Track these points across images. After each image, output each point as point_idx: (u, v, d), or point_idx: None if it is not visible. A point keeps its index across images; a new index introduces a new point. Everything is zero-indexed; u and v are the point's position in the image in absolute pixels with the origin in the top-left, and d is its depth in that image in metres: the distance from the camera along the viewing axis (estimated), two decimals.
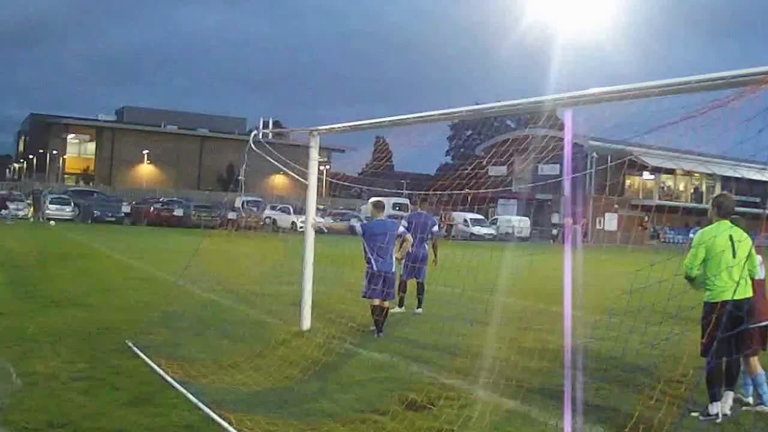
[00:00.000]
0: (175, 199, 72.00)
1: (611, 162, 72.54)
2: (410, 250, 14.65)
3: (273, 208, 65.04)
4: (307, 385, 9.36)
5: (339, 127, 13.43)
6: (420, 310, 16.03)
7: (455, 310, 15.70)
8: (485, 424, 7.90)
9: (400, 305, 15.97)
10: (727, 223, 8.70)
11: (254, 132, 13.71)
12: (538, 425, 8.07)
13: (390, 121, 12.15)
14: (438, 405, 8.70)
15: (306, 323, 13.34)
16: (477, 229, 67.40)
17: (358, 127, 13.21)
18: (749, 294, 8.49)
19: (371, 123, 12.74)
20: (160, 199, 71.91)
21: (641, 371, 10.85)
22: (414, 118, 11.79)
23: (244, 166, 13.73)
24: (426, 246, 16.24)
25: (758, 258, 9.07)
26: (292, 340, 12.29)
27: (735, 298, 8.00)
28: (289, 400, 8.71)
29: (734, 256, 8.51)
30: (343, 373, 10.02)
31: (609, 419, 8.49)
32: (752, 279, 8.75)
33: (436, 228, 16.87)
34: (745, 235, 8.74)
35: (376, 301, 13.10)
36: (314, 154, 13.58)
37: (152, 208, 65.43)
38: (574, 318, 10.40)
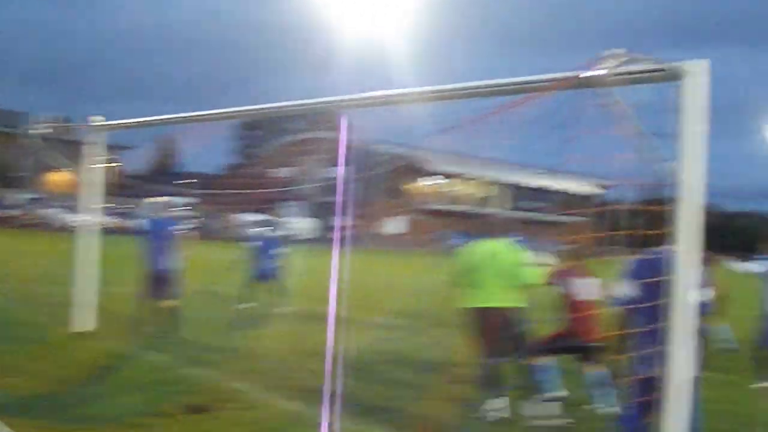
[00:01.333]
0: None
1: (397, 166, 74.51)
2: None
3: (55, 206, 62.73)
4: (86, 389, 9.16)
5: (122, 124, 13.22)
6: None
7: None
8: (268, 427, 8.02)
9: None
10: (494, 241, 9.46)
11: (36, 128, 13.30)
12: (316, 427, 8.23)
13: (178, 118, 12.07)
14: (221, 408, 8.75)
15: (85, 324, 13.02)
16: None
17: (145, 124, 13.01)
18: (510, 304, 9.21)
19: (158, 120, 12.57)
20: None
21: (424, 371, 11.24)
22: (202, 115, 11.76)
23: (27, 162, 13.37)
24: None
25: (588, 280, 9.59)
26: (70, 342, 11.97)
27: (488, 305, 9.03)
28: (67, 404, 8.50)
29: (493, 266, 9.25)
30: (124, 375, 9.87)
31: (391, 420, 8.77)
32: (575, 301, 9.39)
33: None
34: (513, 248, 9.36)
35: (157, 302, 13.01)
36: (96, 151, 13.28)
37: None
38: (356, 320, 10.70)
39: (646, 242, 6.65)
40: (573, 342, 9.30)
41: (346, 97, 9.28)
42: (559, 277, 9.61)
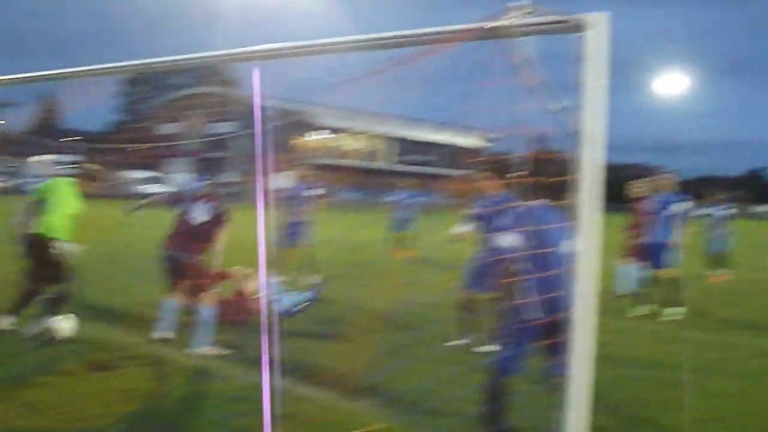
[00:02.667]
0: None
1: (286, 121, 74.09)
2: None
3: None
4: None
5: (8, 79, 12.74)
6: None
7: (127, 267, 15.54)
8: (174, 381, 7.95)
9: None
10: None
11: None
12: (227, 380, 8.18)
13: (63, 73, 11.68)
14: (124, 365, 8.64)
15: None
16: (149, 188, 66.41)
17: (31, 80, 12.56)
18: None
19: (46, 75, 12.14)
20: None
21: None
22: (87, 71, 11.41)
23: None
24: None
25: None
26: None
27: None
28: None
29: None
30: (14, 336, 9.61)
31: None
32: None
33: None
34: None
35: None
36: None
37: None
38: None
39: (534, 193, 6.93)
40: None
41: (238, 50, 9.07)
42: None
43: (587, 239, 5.16)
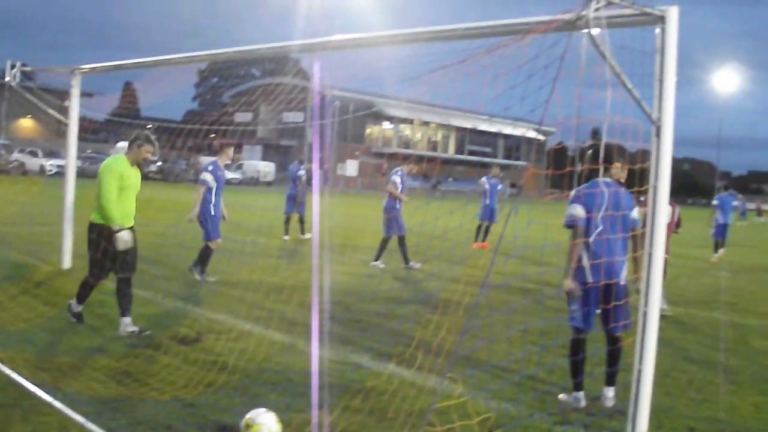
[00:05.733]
0: None
1: (355, 112, 74.28)
2: None
3: (21, 151, 61.84)
4: (74, 324, 9.13)
5: (101, 67, 12.98)
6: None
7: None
8: (257, 356, 8.03)
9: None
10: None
11: (10, 75, 12.96)
12: (305, 355, 8.24)
13: (152, 61, 11.90)
14: (208, 338, 8.75)
15: (67, 262, 12.96)
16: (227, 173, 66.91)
17: (121, 67, 12.83)
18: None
19: (133, 63, 12.38)
20: None
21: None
22: (166, 60, 11.58)
23: None
24: None
25: None
26: (53, 279, 11.93)
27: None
28: (56, 339, 8.45)
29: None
30: (110, 310, 9.76)
31: (372, 349, 8.85)
32: None
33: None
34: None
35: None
36: (76, 93, 13.06)
37: None
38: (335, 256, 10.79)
39: (591, 175, 7.24)
40: None
41: (312, 40, 9.04)
42: None
43: (659, 216, 5.16)
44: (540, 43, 5.36)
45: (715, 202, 26.36)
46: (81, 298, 9.23)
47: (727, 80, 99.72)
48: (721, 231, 24.55)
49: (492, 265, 5.79)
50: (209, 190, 12.93)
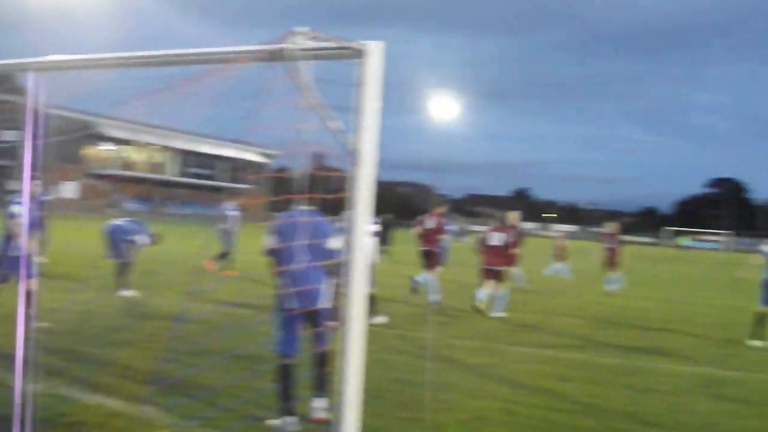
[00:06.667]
0: None
1: (74, 132, 71.56)
2: None
3: None
4: None
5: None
6: None
7: None
8: None
9: None
10: None
11: None
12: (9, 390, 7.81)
13: None
14: None
15: None
16: None
17: None
18: None
19: None
20: None
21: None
22: None
23: None
24: None
25: None
26: None
27: None
28: None
29: None
30: None
31: (81, 380, 8.53)
32: None
33: None
34: None
35: None
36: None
37: None
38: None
39: (294, 203, 7.59)
40: None
41: (30, 59, 8.70)
42: None
43: (358, 247, 5.32)
44: (251, 70, 5.44)
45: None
46: None
47: (446, 107, 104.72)
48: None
49: (204, 291, 5.77)
50: None
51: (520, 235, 21.47)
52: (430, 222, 20.33)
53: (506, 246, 18.85)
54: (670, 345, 15.38)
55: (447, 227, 21.22)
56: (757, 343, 15.69)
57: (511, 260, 19.63)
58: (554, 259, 32.88)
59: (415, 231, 20.56)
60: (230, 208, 24.66)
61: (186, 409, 7.71)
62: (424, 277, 19.96)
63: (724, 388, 11.14)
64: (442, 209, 20.84)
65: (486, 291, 18.35)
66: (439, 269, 20.19)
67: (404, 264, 28.12)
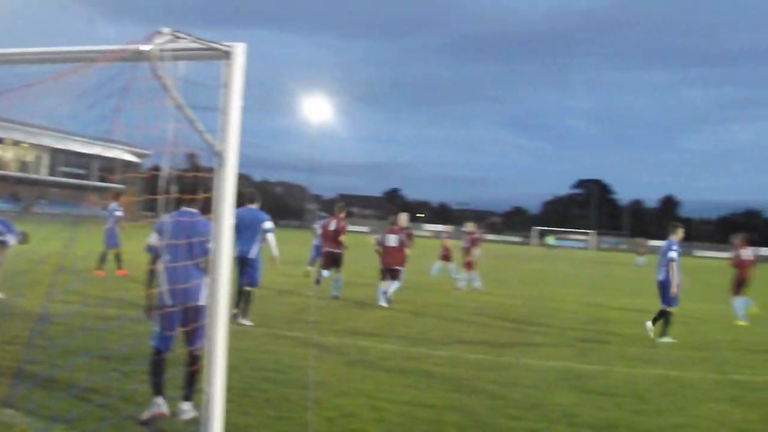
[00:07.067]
0: None
1: None
2: None
3: None
4: None
5: None
6: None
7: None
8: None
9: None
10: None
11: None
12: None
13: None
14: None
15: None
16: None
17: None
18: None
19: None
20: None
21: None
22: None
23: None
24: None
25: None
26: None
27: None
28: None
29: None
30: None
31: None
32: None
33: None
34: None
35: None
36: None
37: None
38: None
39: (179, 204, 7.62)
40: None
41: None
42: None
43: (222, 242, 5.39)
44: (115, 69, 5.42)
45: (316, 225, 28.91)
46: None
47: (319, 108, 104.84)
48: (317, 252, 25.98)
49: (61, 292, 5.72)
50: None
51: (410, 236, 22.57)
52: (332, 224, 21.60)
53: (400, 246, 21.04)
54: (535, 340, 15.87)
55: (348, 229, 22.05)
56: (667, 339, 16.59)
57: (404, 259, 21.41)
58: (441, 258, 33.10)
59: (317, 233, 22.08)
60: (116, 209, 24.26)
61: (50, 411, 7.59)
62: (328, 273, 21.54)
63: (586, 381, 11.55)
64: (343, 213, 21.76)
65: (384, 288, 20.47)
66: (341, 268, 21.56)
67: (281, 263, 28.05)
